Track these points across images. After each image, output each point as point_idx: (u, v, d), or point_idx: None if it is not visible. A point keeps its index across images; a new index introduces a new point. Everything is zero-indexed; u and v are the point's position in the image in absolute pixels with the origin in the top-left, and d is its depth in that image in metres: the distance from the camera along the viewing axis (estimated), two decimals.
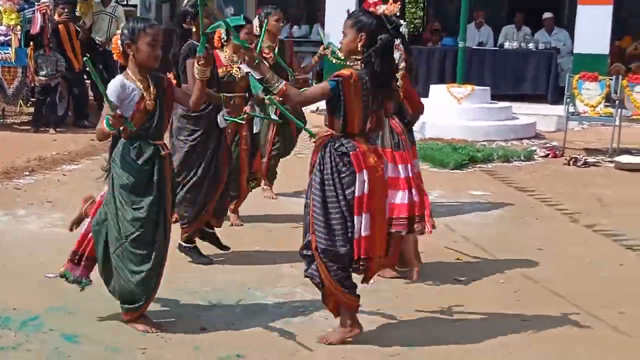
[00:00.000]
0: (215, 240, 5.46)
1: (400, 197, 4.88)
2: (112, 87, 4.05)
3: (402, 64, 4.83)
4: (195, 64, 4.19)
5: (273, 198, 7.20)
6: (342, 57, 4.91)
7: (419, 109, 5.22)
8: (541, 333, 4.28)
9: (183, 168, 5.21)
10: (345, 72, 3.89)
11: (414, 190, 4.90)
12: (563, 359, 3.99)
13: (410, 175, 4.93)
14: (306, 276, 4.10)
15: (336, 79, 3.88)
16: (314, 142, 4.08)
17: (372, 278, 4.18)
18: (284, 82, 4.00)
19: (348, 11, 4.12)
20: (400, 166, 4.91)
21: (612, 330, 4.37)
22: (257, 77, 4.07)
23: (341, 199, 3.89)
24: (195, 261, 5.32)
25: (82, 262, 4.30)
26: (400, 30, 4.47)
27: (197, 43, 5.16)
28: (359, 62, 3.93)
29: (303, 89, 4.18)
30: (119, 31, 4.14)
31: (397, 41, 4.36)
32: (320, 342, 4.07)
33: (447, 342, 4.11)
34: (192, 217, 5.28)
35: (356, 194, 3.88)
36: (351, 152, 3.88)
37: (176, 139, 5.31)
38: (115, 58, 4.19)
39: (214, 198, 5.30)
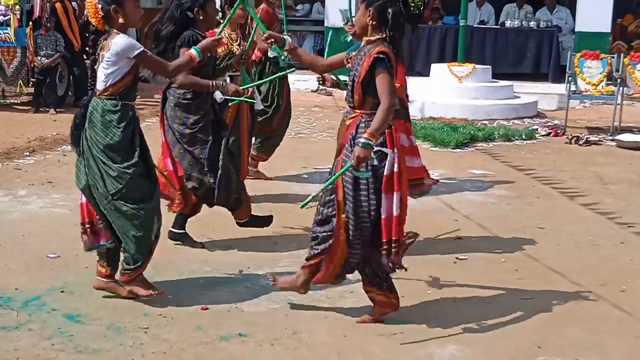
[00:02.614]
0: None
1: (417, 163, 5.52)
2: (130, 41, 3.99)
3: None
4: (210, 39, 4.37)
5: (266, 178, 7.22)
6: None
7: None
8: (542, 311, 4.29)
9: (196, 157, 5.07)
10: (385, 49, 3.87)
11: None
12: (564, 337, 4.00)
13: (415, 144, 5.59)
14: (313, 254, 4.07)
15: (384, 56, 3.85)
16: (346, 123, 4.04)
17: (399, 264, 4.02)
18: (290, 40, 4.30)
19: None
20: (412, 137, 5.54)
21: (613, 308, 4.38)
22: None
23: (371, 180, 3.88)
24: (189, 246, 5.26)
25: (90, 229, 4.25)
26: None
27: (199, 33, 5.06)
28: (377, 39, 3.92)
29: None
30: None
31: None
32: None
33: (448, 320, 4.12)
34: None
35: (385, 173, 3.86)
36: (386, 130, 3.87)
37: (172, 126, 5.09)
38: (93, 24, 4.04)
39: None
